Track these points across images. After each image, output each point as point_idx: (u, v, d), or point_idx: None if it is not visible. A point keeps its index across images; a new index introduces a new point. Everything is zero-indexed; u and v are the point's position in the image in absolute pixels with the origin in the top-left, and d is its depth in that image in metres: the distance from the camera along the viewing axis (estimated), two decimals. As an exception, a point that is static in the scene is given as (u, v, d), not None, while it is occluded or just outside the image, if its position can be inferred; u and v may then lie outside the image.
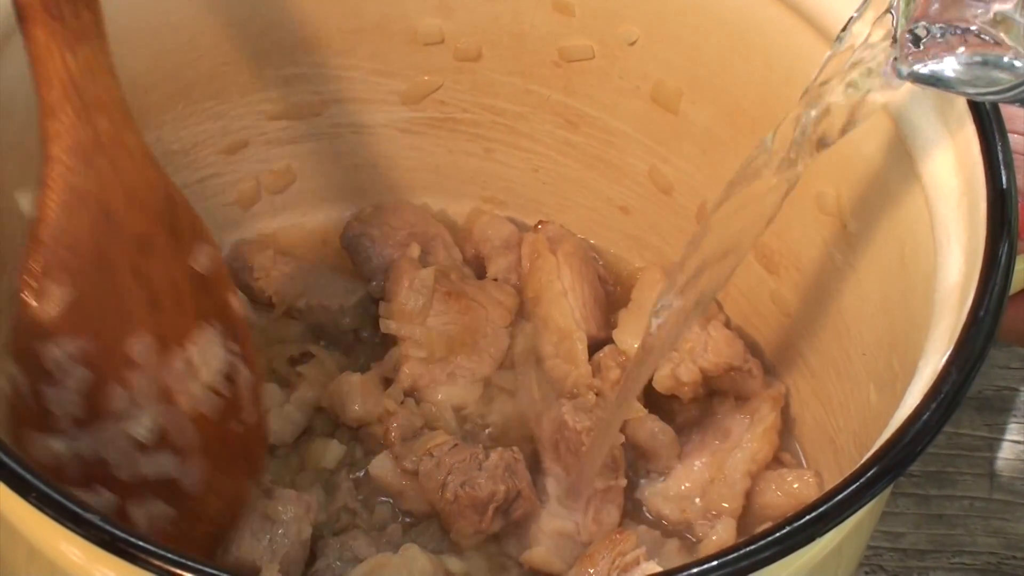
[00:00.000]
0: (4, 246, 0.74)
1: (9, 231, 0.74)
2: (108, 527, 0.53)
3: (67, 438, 0.65)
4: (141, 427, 0.67)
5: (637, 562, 0.73)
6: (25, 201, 0.66)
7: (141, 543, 0.52)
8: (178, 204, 0.68)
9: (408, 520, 0.79)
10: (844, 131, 0.64)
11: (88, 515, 0.53)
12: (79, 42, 0.64)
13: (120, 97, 0.66)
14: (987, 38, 0.58)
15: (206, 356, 0.69)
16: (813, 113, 0.63)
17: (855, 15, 0.62)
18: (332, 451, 0.80)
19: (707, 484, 0.80)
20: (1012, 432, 0.96)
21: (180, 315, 0.68)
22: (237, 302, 0.71)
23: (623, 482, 0.78)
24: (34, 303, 0.64)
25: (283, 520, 0.74)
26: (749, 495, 0.80)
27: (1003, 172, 0.63)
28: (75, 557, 0.56)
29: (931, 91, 0.67)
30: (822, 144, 0.64)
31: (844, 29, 0.62)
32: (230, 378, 0.70)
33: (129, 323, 0.66)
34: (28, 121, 0.72)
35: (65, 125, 0.65)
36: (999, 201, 0.63)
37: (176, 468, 0.68)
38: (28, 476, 0.54)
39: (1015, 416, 0.97)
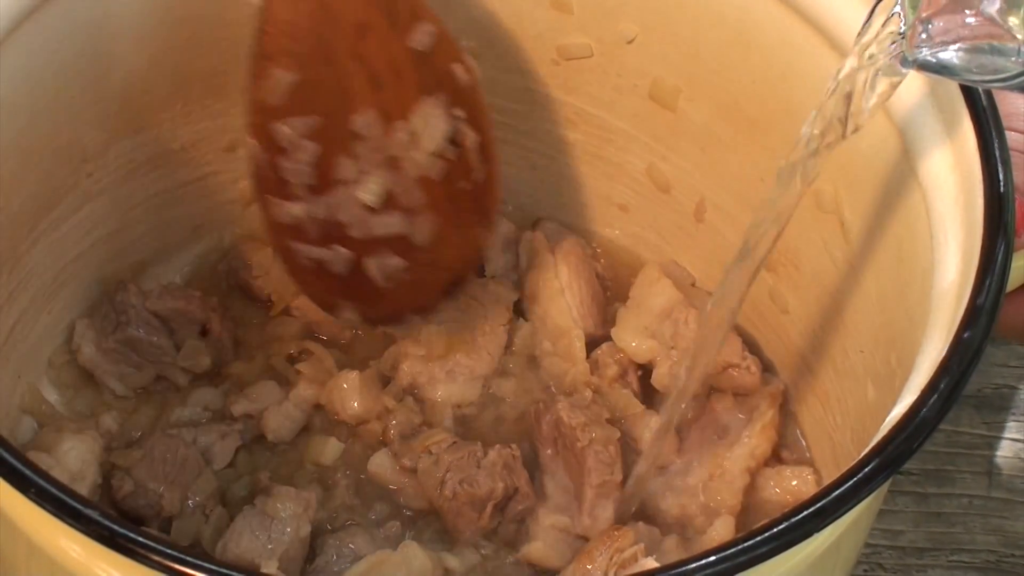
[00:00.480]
0: (3, 245, 0.74)
1: (8, 230, 0.75)
2: (108, 523, 0.53)
3: (303, 203, 0.74)
4: (369, 192, 0.75)
5: (635, 558, 0.73)
6: None
7: (141, 539, 0.52)
8: None
9: (407, 517, 0.79)
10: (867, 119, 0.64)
11: (88, 511, 0.53)
12: None
13: None
14: (991, 29, 0.58)
15: (429, 126, 0.75)
16: (835, 109, 0.64)
17: (874, 8, 0.62)
18: (331, 448, 0.80)
19: (706, 481, 0.80)
20: (1011, 430, 0.96)
21: (401, 91, 0.74)
22: (463, 70, 0.77)
23: (619, 477, 0.78)
24: (263, 86, 0.73)
25: (282, 517, 0.74)
26: (748, 492, 0.80)
27: (1000, 169, 0.63)
28: (75, 553, 0.56)
29: (928, 88, 0.67)
30: (851, 130, 0.64)
31: (867, 21, 0.62)
32: (456, 142, 0.76)
33: (351, 101, 0.74)
34: (29, 120, 0.73)
35: None
36: (996, 199, 0.63)
37: (405, 225, 0.76)
38: (28, 472, 0.54)
39: (1014, 414, 0.97)
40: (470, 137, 0.77)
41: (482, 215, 0.80)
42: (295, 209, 0.74)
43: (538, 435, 0.80)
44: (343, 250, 0.76)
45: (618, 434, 0.79)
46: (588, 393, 0.81)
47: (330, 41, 0.73)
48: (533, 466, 0.80)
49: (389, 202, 0.75)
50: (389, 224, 0.76)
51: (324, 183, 0.74)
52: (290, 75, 0.72)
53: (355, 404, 0.80)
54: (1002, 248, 0.61)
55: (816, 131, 0.65)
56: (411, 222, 0.76)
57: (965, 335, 0.59)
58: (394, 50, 0.74)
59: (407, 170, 0.75)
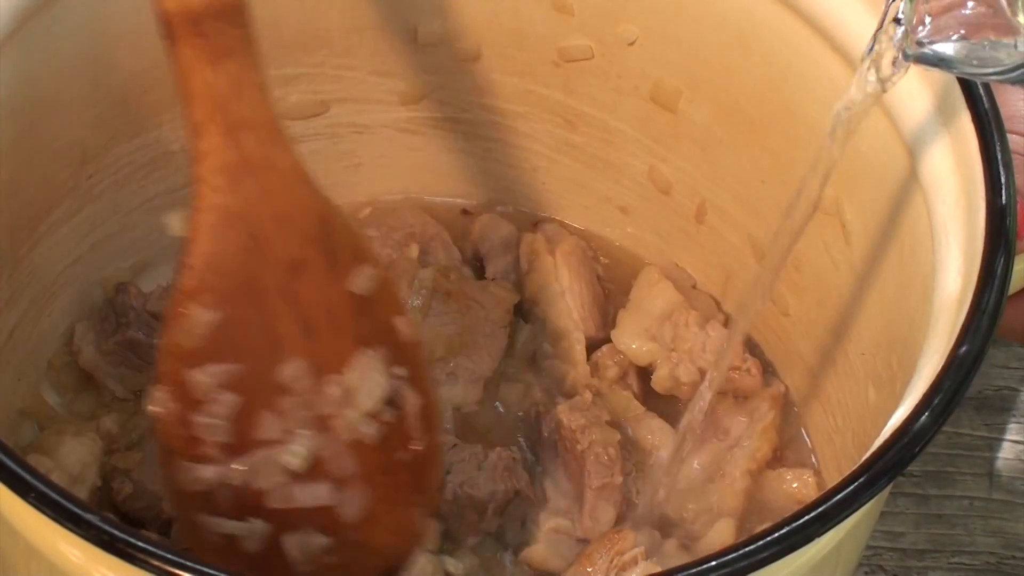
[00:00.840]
0: (3, 247, 0.74)
1: (8, 232, 0.74)
2: (107, 527, 0.53)
3: (216, 466, 0.64)
4: (294, 455, 0.65)
5: (635, 561, 0.73)
6: (175, 222, 0.64)
7: (140, 543, 0.52)
8: (335, 225, 0.66)
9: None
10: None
11: (87, 515, 0.53)
12: (225, 59, 0.62)
13: (270, 115, 0.63)
14: (991, 20, 0.58)
15: (365, 383, 0.66)
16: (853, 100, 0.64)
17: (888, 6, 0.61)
18: (330, 452, 0.79)
19: (706, 483, 0.80)
20: (1011, 432, 0.96)
21: (336, 340, 0.65)
22: (405, 324, 0.68)
23: (619, 479, 0.78)
24: (181, 327, 0.63)
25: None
26: (748, 494, 0.80)
27: (1001, 173, 0.63)
28: (74, 557, 0.56)
29: (930, 90, 0.67)
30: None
31: (880, 24, 0.62)
32: (395, 404, 0.67)
33: (280, 348, 0.64)
34: (29, 122, 0.73)
35: (211, 145, 0.63)
36: (997, 202, 0.62)
37: (334, 497, 0.66)
38: (27, 476, 0.54)
39: (1014, 416, 0.97)
40: (411, 400, 0.67)
41: (421, 492, 0.70)
42: (207, 473, 0.64)
43: (538, 438, 0.80)
44: (259, 524, 0.65)
45: (618, 436, 0.79)
46: (588, 395, 0.81)
47: (259, 279, 0.64)
48: (533, 468, 0.80)
49: (316, 469, 0.65)
50: (315, 494, 0.65)
51: (242, 443, 0.64)
52: (211, 314, 0.63)
53: (355, 407, 0.80)
54: (1003, 253, 0.61)
55: (844, 116, 0.64)
56: (340, 494, 0.66)
57: (966, 341, 0.59)
58: (331, 294, 0.65)
59: (338, 433, 0.65)
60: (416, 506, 0.70)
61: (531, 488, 0.78)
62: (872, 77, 0.62)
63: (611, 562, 0.73)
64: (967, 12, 0.59)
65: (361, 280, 0.65)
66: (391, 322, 0.67)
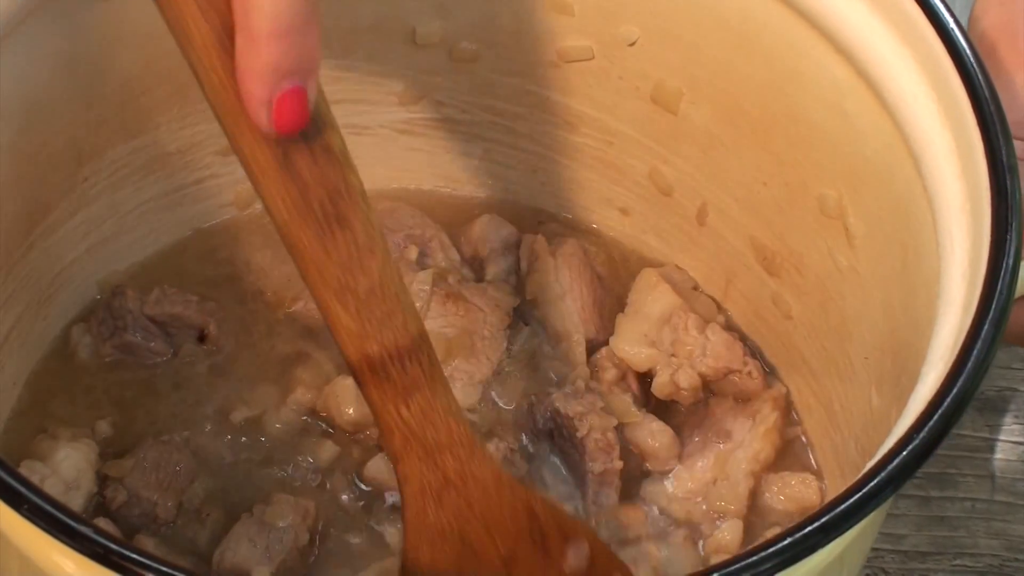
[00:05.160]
0: (0, 245, 0.74)
1: (3, 235, 0.74)
2: (102, 540, 0.52)
3: None
4: None
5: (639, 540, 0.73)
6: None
7: (135, 556, 0.52)
8: (541, 515, 0.69)
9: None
10: None
11: (81, 528, 0.53)
12: (411, 394, 0.66)
13: (466, 433, 0.68)
14: None
15: None
16: None
17: None
18: (328, 454, 0.80)
19: (710, 485, 0.80)
20: (1014, 433, 0.96)
21: None
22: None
23: (619, 464, 0.78)
24: None
25: (280, 526, 0.74)
26: (751, 496, 0.80)
27: (1007, 178, 0.63)
28: (69, 569, 0.56)
29: (935, 94, 0.67)
30: None
31: None
32: None
33: None
34: (25, 123, 0.72)
35: (411, 470, 0.67)
36: (1003, 207, 0.62)
37: None
38: (21, 488, 0.54)
39: (1017, 417, 0.97)
40: None
41: None
42: None
43: (533, 428, 0.80)
44: None
45: (615, 421, 0.79)
46: (581, 383, 0.81)
47: None
48: (531, 458, 0.80)
49: None
50: None
51: None
52: None
53: (351, 411, 0.79)
54: (1008, 258, 0.61)
55: None
56: None
57: (972, 348, 0.58)
58: None
59: None
60: None
61: (530, 477, 0.78)
62: None
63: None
64: None
65: (575, 558, 0.69)
66: None
